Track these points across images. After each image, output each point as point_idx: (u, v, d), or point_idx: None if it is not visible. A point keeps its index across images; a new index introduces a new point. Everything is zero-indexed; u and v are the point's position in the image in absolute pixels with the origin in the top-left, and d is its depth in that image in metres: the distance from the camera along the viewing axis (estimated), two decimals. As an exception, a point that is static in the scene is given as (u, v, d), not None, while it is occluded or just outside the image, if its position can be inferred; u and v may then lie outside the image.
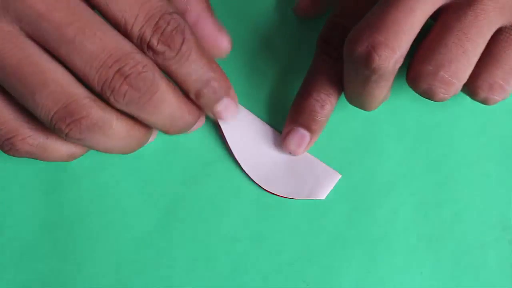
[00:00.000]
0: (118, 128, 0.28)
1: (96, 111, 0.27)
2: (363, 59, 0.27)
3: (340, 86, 0.32)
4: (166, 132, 0.30)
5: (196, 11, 0.29)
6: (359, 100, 0.31)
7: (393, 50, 0.26)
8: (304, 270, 0.35)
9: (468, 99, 0.36)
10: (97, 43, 0.26)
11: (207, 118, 0.35)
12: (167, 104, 0.28)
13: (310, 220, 0.35)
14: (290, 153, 0.35)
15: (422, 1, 0.27)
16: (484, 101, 0.29)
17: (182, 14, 0.28)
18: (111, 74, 0.26)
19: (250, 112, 0.35)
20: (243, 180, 0.35)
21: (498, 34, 0.28)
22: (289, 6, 0.36)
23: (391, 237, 0.35)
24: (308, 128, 0.34)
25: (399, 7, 0.27)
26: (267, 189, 0.35)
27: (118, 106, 0.27)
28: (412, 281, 0.35)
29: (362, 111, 0.35)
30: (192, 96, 0.30)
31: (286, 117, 0.35)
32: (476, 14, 0.27)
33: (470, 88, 0.29)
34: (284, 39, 0.36)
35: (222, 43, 0.30)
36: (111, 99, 0.27)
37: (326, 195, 0.35)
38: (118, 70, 0.26)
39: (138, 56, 0.27)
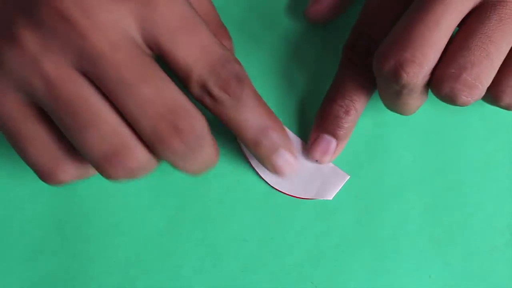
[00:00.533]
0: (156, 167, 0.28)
1: (143, 156, 0.27)
2: (391, 76, 0.27)
3: (366, 92, 0.33)
4: (189, 172, 0.30)
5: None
6: (394, 109, 0.31)
7: (421, 66, 0.27)
8: (313, 271, 0.35)
9: (478, 103, 0.36)
10: (154, 90, 0.26)
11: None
12: (206, 156, 0.29)
13: (319, 221, 0.35)
14: (316, 161, 0.35)
15: (448, 13, 0.27)
16: (508, 107, 0.29)
17: (240, 63, 0.28)
18: (164, 125, 0.26)
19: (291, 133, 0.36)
20: (252, 180, 0.35)
21: None
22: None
23: (400, 240, 0.35)
24: (334, 135, 0.34)
25: (425, 21, 0.27)
26: (275, 187, 0.35)
27: (162, 154, 0.27)
28: (420, 285, 0.35)
29: (372, 114, 0.36)
30: (250, 145, 0.30)
31: (311, 124, 0.35)
32: (500, 17, 0.27)
33: (493, 93, 0.28)
34: (310, 45, 0.36)
35: None
36: (159, 149, 0.26)
37: (334, 195, 0.35)
38: (172, 123, 0.26)
39: (192, 110, 0.27)
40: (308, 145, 0.34)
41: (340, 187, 0.35)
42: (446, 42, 0.27)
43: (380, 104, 0.36)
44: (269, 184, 0.35)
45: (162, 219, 0.35)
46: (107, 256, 0.35)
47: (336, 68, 0.34)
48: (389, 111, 0.36)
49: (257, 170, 0.35)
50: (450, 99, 0.27)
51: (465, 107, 0.36)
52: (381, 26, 0.30)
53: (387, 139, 0.36)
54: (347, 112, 0.33)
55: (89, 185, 0.35)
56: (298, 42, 0.36)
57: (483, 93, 0.27)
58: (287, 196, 0.35)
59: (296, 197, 0.35)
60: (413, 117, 0.36)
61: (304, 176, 0.35)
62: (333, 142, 0.34)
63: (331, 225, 0.35)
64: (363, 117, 0.36)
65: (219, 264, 0.35)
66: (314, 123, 0.34)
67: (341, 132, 0.34)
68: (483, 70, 0.27)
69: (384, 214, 0.35)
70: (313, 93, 0.36)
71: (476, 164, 0.36)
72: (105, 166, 0.26)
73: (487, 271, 0.35)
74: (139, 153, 0.27)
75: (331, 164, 0.35)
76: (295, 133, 0.36)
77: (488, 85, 0.27)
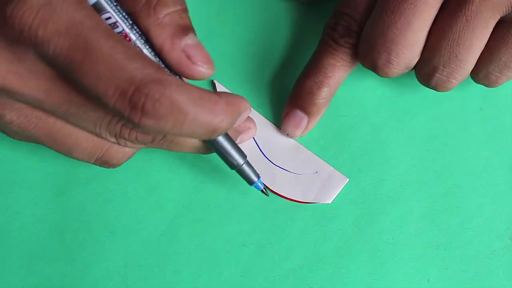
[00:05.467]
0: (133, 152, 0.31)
1: (129, 151, 0.30)
2: (374, 71, 0.31)
3: (341, 70, 0.33)
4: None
5: (157, 44, 0.27)
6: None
7: (397, 65, 0.30)
8: (311, 276, 0.35)
9: (476, 106, 0.36)
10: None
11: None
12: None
13: (318, 226, 0.35)
14: (288, 135, 0.35)
15: (418, 13, 0.29)
16: (488, 85, 0.32)
17: (158, 79, 0.25)
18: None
19: (259, 114, 0.36)
20: (250, 186, 0.35)
21: (496, 29, 0.30)
22: None
23: (399, 244, 0.35)
24: (305, 111, 0.34)
25: (397, 24, 0.29)
26: (274, 191, 0.35)
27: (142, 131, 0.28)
28: (419, 289, 0.35)
29: (371, 117, 0.36)
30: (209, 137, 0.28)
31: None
32: (467, 18, 0.29)
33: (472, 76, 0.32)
34: (291, 25, 0.36)
35: (192, 72, 0.28)
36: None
37: (333, 198, 0.35)
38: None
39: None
40: (282, 120, 0.35)
41: (340, 190, 0.35)
42: (424, 36, 0.30)
43: (379, 109, 0.36)
44: (267, 187, 0.35)
45: (161, 224, 0.35)
46: (105, 261, 0.35)
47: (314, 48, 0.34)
48: (387, 114, 0.36)
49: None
50: (434, 89, 0.32)
51: (463, 110, 0.36)
52: (360, 6, 0.32)
53: (386, 144, 0.36)
54: (319, 88, 0.33)
55: (87, 190, 0.35)
56: (281, 22, 0.36)
57: (459, 82, 0.31)
58: (286, 200, 0.35)
59: (295, 201, 0.35)
60: (411, 121, 0.36)
61: (303, 179, 0.35)
62: (305, 118, 0.34)
63: (329, 229, 0.35)
64: (362, 121, 0.36)
65: (217, 269, 0.35)
66: (288, 98, 0.35)
67: (313, 109, 0.34)
68: (454, 69, 0.30)
69: (382, 218, 0.35)
70: (294, 71, 0.36)
71: (474, 168, 0.36)
72: (103, 166, 0.31)
73: (486, 275, 0.35)
74: (126, 153, 0.30)
75: (330, 168, 0.35)
76: (275, 109, 0.36)
77: (464, 78, 0.31)
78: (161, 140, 0.29)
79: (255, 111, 0.36)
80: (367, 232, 0.35)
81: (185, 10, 0.28)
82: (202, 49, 0.28)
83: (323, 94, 0.33)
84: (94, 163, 0.30)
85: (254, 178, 0.32)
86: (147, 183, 0.35)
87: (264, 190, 0.33)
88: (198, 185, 0.35)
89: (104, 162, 0.30)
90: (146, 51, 0.27)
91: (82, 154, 0.30)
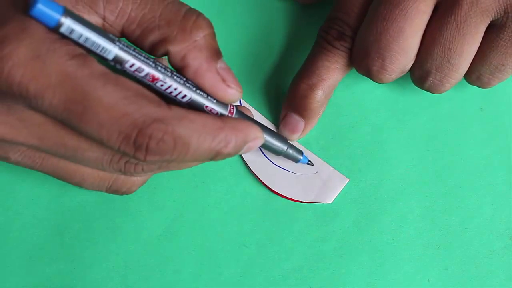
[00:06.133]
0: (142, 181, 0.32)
1: (138, 179, 0.31)
2: (370, 75, 0.32)
3: (335, 73, 0.33)
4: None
5: (194, 66, 0.27)
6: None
7: (392, 71, 0.31)
8: (311, 276, 0.35)
9: (476, 106, 0.36)
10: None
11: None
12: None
13: (318, 226, 0.35)
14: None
15: (410, 19, 0.29)
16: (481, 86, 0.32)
17: (160, 118, 0.25)
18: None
19: (259, 113, 0.36)
20: (251, 184, 0.35)
21: (486, 33, 0.30)
22: None
23: (399, 244, 0.35)
24: (301, 114, 0.34)
25: (389, 31, 0.30)
26: (275, 191, 0.35)
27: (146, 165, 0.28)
28: (419, 289, 0.35)
29: (371, 117, 0.36)
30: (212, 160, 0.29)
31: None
32: (457, 24, 0.29)
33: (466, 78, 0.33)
34: (291, 26, 0.36)
35: (225, 95, 0.28)
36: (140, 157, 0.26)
37: (333, 199, 0.35)
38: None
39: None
40: (279, 122, 0.35)
41: (340, 190, 0.35)
42: (417, 41, 0.30)
43: (379, 109, 0.36)
44: (268, 188, 0.35)
45: (161, 225, 0.35)
46: (106, 261, 0.35)
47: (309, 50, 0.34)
48: (387, 114, 0.36)
49: (256, 174, 0.35)
50: (428, 91, 0.33)
51: (463, 111, 0.36)
52: (353, 11, 0.32)
53: (386, 144, 0.36)
54: (314, 91, 0.33)
55: (88, 190, 0.35)
56: (280, 22, 0.37)
57: (453, 85, 0.31)
58: (286, 200, 0.35)
59: (296, 201, 0.35)
60: (411, 121, 0.36)
61: (303, 179, 0.35)
62: (301, 122, 0.34)
63: (329, 229, 0.35)
64: (361, 122, 0.36)
65: (217, 269, 0.35)
66: (284, 100, 0.35)
67: (309, 112, 0.34)
68: (447, 73, 0.31)
69: (382, 218, 0.35)
70: (294, 71, 0.36)
71: (474, 168, 0.36)
72: (114, 194, 0.32)
73: (486, 275, 0.35)
74: (135, 184, 0.31)
75: (330, 168, 0.35)
76: (272, 110, 0.36)
77: (458, 81, 0.31)
78: (167, 165, 0.30)
79: (255, 111, 0.36)
80: (367, 232, 0.35)
81: (215, 33, 0.28)
82: (232, 73, 0.28)
83: (318, 97, 0.33)
84: (106, 192, 0.31)
85: (300, 157, 0.34)
86: (147, 183, 0.35)
87: (310, 162, 0.35)
88: (198, 185, 0.35)
89: (114, 191, 0.31)
90: (175, 83, 0.27)
91: (91, 187, 0.30)
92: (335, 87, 0.34)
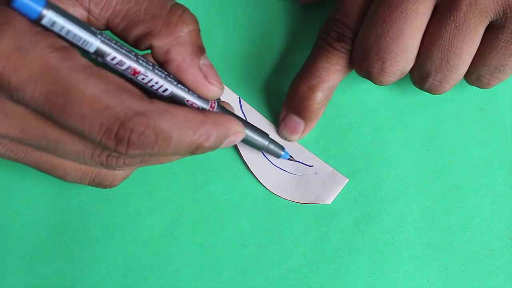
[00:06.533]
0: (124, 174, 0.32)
1: (120, 173, 0.31)
2: (370, 78, 0.32)
3: (335, 74, 0.33)
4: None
5: (176, 61, 0.27)
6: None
7: (392, 73, 0.31)
8: (311, 276, 0.35)
9: (476, 106, 0.36)
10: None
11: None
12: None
13: (318, 226, 0.35)
14: (285, 139, 0.35)
15: (409, 21, 0.29)
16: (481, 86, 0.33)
17: (141, 112, 0.25)
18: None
19: (259, 113, 0.36)
20: (250, 185, 0.35)
21: (485, 34, 0.30)
22: None
23: (398, 244, 0.35)
24: (301, 116, 0.34)
25: (389, 33, 0.30)
26: (274, 192, 0.35)
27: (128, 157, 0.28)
28: (419, 289, 0.35)
29: (371, 117, 0.36)
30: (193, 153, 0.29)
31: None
32: (456, 25, 0.29)
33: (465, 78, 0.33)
34: (291, 26, 0.36)
35: (207, 91, 0.28)
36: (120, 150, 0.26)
37: (333, 199, 0.35)
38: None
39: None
40: (279, 123, 0.35)
41: (339, 191, 0.35)
42: (417, 42, 0.30)
43: (378, 109, 0.36)
44: (267, 189, 0.35)
45: (161, 225, 0.35)
46: (105, 261, 0.35)
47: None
48: (387, 114, 0.36)
49: (255, 175, 0.35)
50: (428, 92, 0.32)
51: (463, 111, 0.36)
52: (352, 13, 0.32)
53: (386, 144, 0.36)
54: (314, 93, 0.33)
55: (88, 190, 0.35)
56: (280, 23, 0.37)
57: (453, 86, 0.31)
58: (286, 200, 0.35)
59: (295, 201, 0.35)
60: (410, 121, 0.36)
61: (302, 180, 0.35)
62: (301, 123, 0.34)
63: (329, 229, 0.35)
64: (361, 122, 0.36)
65: (217, 269, 0.35)
66: (284, 101, 0.35)
67: (308, 114, 0.34)
68: (447, 74, 0.31)
69: (382, 218, 0.35)
70: (294, 71, 0.36)
71: (474, 168, 0.36)
72: (97, 187, 0.31)
73: (485, 275, 0.35)
74: (117, 175, 0.31)
75: (330, 168, 0.35)
76: (272, 110, 0.36)
77: (457, 81, 0.31)
78: (149, 159, 0.30)
79: (256, 111, 0.36)
80: (367, 232, 0.35)
81: (199, 30, 0.28)
82: (215, 70, 0.28)
83: (318, 99, 0.33)
84: (89, 185, 0.31)
85: (281, 152, 0.34)
86: (147, 183, 0.35)
87: (291, 157, 0.35)
88: (198, 185, 0.35)
89: (97, 184, 0.31)
90: (156, 76, 0.27)
91: (74, 180, 0.30)
92: (335, 88, 0.34)
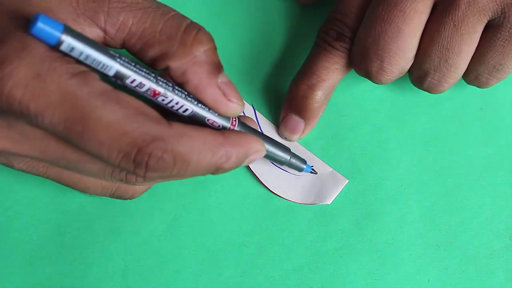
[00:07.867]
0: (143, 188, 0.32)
1: (140, 187, 0.31)
2: (369, 77, 0.32)
3: (335, 73, 0.33)
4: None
5: (194, 81, 0.27)
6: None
7: (391, 72, 0.31)
8: (311, 276, 0.35)
9: (476, 106, 0.36)
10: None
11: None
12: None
13: (318, 226, 0.35)
14: (285, 139, 0.35)
15: (408, 19, 0.29)
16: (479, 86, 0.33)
17: (159, 137, 0.25)
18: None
19: (259, 113, 0.36)
20: (251, 186, 0.35)
21: (484, 33, 0.30)
22: None
23: (399, 244, 0.35)
24: (301, 115, 0.34)
25: (388, 32, 0.30)
26: (274, 192, 0.35)
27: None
28: (419, 289, 0.35)
29: (371, 117, 0.36)
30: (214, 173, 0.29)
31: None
32: (454, 24, 0.29)
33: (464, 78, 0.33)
34: (291, 26, 0.36)
35: (227, 109, 0.28)
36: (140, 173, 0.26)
37: (333, 199, 0.35)
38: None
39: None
40: (279, 123, 0.35)
41: (339, 191, 0.35)
42: (416, 41, 0.30)
43: (378, 109, 0.36)
44: (268, 189, 0.35)
45: (161, 224, 0.35)
46: (105, 261, 0.35)
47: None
48: (387, 114, 0.36)
49: (256, 175, 0.35)
50: (426, 91, 0.33)
51: (463, 110, 0.36)
52: (351, 12, 0.32)
53: (386, 144, 0.36)
54: (313, 92, 0.33)
55: (88, 190, 0.35)
56: (281, 23, 0.37)
57: (452, 85, 0.31)
58: (286, 200, 0.35)
59: (295, 202, 0.35)
60: (410, 122, 0.36)
61: (303, 181, 0.35)
62: (301, 123, 0.34)
63: (329, 230, 0.35)
64: (361, 122, 0.36)
65: (217, 269, 0.35)
66: (283, 102, 0.35)
67: (308, 113, 0.34)
68: (445, 73, 0.31)
69: (382, 218, 0.35)
70: (294, 71, 0.36)
71: (474, 168, 0.36)
72: (119, 199, 0.32)
73: (486, 275, 0.35)
74: (136, 190, 0.31)
75: (330, 169, 0.35)
76: (272, 110, 0.36)
77: (456, 81, 0.31)
78: (169, 177, 0.29)
79: (257, 112, 0.36)
80: (367, 232, 0.35)
81: (216, 47, 0.28)
82: (234, 86, 0.28)
83: (317, 98, 0.33)
84: (111, 197, 0.31)
85: (303, 166, 0.34)
86: (147, 183, 0.35)
87: (313, 170, 0.35)
88: (198, 185, 0.35)
89: (118, 197, 0.31)
90: (176, 97, 0.27)
91: (95, 193, 0.31)
92: (335, 87, 0.34)
